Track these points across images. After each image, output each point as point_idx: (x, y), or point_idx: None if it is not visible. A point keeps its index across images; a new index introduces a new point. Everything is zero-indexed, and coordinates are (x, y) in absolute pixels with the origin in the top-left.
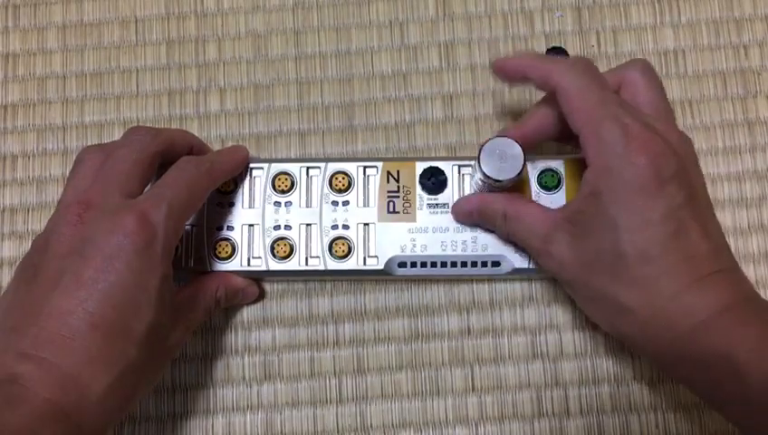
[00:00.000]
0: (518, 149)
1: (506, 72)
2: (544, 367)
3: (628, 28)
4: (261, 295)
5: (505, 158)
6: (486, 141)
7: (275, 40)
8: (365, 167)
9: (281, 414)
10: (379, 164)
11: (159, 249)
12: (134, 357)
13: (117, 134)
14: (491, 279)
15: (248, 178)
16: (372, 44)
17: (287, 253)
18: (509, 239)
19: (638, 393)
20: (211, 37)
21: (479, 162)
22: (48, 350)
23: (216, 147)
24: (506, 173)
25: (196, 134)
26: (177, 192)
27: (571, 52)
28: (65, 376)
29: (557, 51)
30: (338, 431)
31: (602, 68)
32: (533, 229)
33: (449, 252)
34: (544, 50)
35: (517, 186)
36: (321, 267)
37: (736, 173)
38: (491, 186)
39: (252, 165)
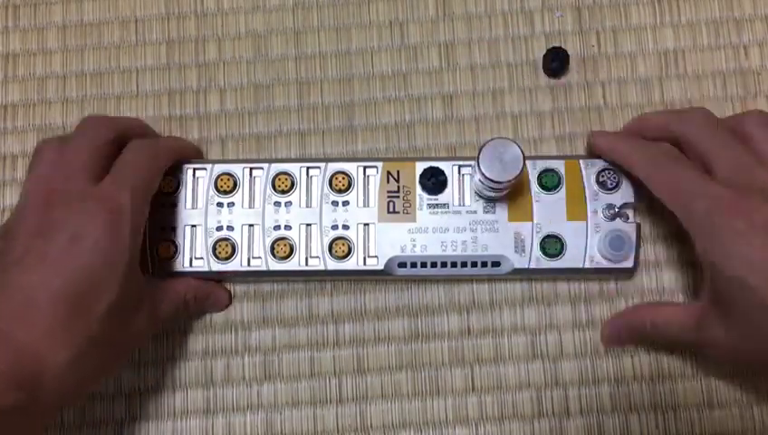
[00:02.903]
0: (517, 151)
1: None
2: (544, 367)
3: (628, 28)
4: (230, 301)
5: (505, 159)
6: (486, 143)
7: (275, 40)
8: (365, 167)
9: (281, 414)
10: (379, 164)
11: (127, 231)
12: (94, 336)
13: None
14: (491, 279)
15: (248, 177)
16: (372, 44)
17: (287, 253)
18: (661, 346)
19: (638, 393)
20: (211, 37)
21: (478, 164)
22: (6, 322)
23: (217, 147)
24: (506, 174)
25: (196, 134)
26: (138, 173)
27: (570, 52)
28: (22, 348)
29: (557, 51)
30: (338, 431)
31: (603, 68)
32: (683, 327)
33: (449, 252)
34: (544, 50)
35: (517, 186)
36: (321, 267)
37: None
38: (491, 187)
39: (252, 166)
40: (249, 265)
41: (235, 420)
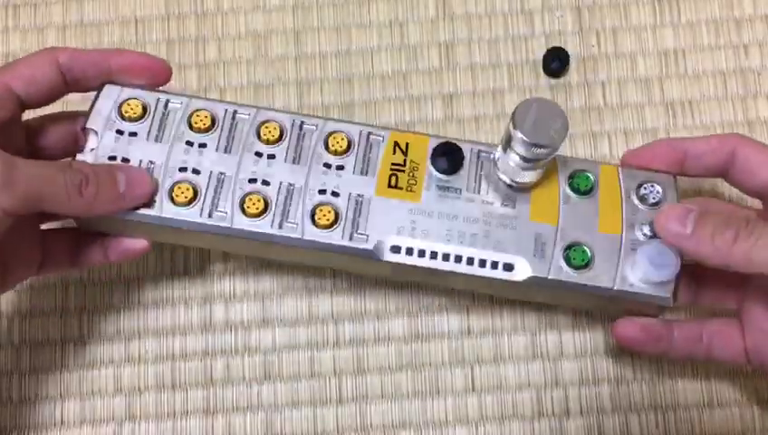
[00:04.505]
0: (560, 111)
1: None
2: (544, 367)
3: (629, 28)
4: (153, 187)
5: (546, 120)
6: (522, 102)
7: (275, 40)
8: (369, 133)
9: (281, 414)
10: (386, 133)
11: None
12: None
13: None
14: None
15: (230, 119)
16: (372, 44)
17: (259, 210)
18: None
19: (638, 393)
20: (211, 37)
21: (514, 123)
22: None
23: None
24: (548, 137)
25: None
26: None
27: (570, 52)
28: None
29: (557, 51)
30: (338, 431)
31: (603, 68)
32: None
33: (454, 244)
34: (544, 50)
35: (544, 179)
36: (298, 235)
37: None
38: (525, 158)
39: (237, 108)
40: (210, 216)
41: (235, 420)
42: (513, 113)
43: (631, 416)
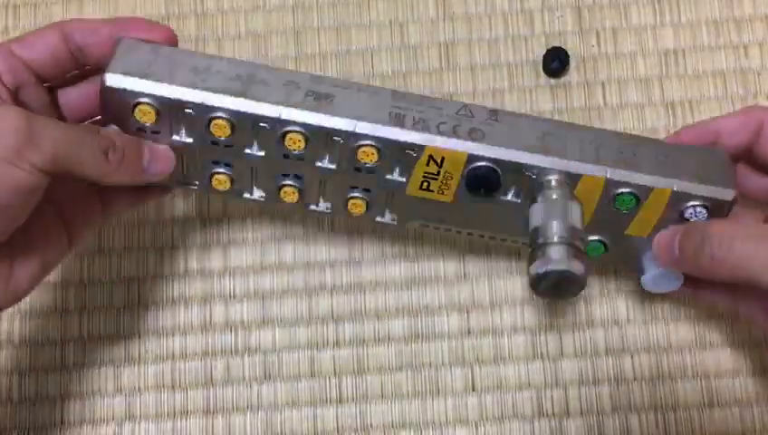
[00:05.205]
0: (580, 285)
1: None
2: (544, 367)
3: (629, 28)
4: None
5: (561, 285)
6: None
7: (275, 40)
8: (402, 149)
9: (281, 414)
10: (421, 149)
11: None
12: None
13: None
14: (490, 279)
15: (250, 130)
16: (372, 44)
17: (295, 200)
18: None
19: (638, 393)
20: (211, 37)
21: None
22: None
23: None
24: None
25: None
26: None
27: (570, 52)
28: None
29: (557, 51)
30: (338, 431)
31: (603, 68)
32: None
33: (478, 229)
34: (544, 50)
35: (581, 198)
36: (330, 213)
37: None
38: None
39: (256, 114)
40: (251, 196)
41: (235, 420)
42: (534, 278)
43: (631, 416)
